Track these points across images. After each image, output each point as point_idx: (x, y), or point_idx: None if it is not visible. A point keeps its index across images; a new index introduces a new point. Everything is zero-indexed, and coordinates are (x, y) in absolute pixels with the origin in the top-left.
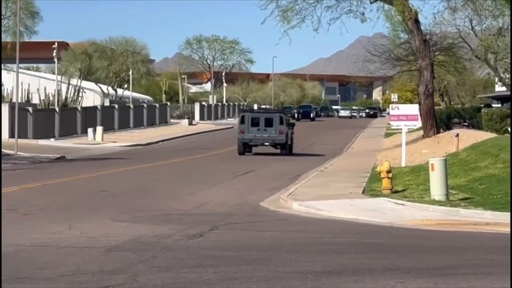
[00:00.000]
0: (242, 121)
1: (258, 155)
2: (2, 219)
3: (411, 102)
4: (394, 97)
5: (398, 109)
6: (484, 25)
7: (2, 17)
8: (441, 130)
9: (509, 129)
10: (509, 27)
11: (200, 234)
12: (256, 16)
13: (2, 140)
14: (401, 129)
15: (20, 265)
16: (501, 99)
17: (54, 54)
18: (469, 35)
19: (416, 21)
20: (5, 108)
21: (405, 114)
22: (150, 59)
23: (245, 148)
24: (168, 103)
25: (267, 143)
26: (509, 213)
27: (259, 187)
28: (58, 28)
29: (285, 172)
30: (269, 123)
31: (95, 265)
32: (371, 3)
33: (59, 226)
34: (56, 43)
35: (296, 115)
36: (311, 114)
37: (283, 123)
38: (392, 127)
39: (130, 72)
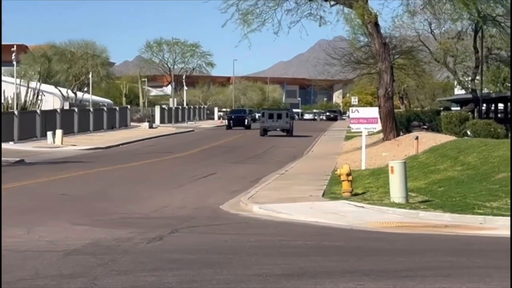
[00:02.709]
0: (262, 115)
1: (216, 157)
2: None
3: (371, 105)
4: (354, 100)
5: (358, 112)
6: (443, 28)
7: None
8: (401, 133)
9: (509, 133)
10: (510, 27)
11: (160, 237)
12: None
13: None
14: (361, 132)
15: None
16: (460, 102)
17: (13, 57)
18: (428, 38)
19: (376, 25)
20: None
21: (365, 117)
22: (110, 62)
23: (265, 132)
24: (128, 106)
25: (279, 129)
26: (465, 214)
27: (219, 190)
28: (16, 31)
29: (246, 175)
30: (279, 116)
31: (54, 269)
32: (331, 6)
33: (18, 230)
34: (15, 46)
35: (227, 122)
36: (246, 121)
37: (288, 117)
38: (352, 130)
39: (90, 75)
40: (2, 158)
